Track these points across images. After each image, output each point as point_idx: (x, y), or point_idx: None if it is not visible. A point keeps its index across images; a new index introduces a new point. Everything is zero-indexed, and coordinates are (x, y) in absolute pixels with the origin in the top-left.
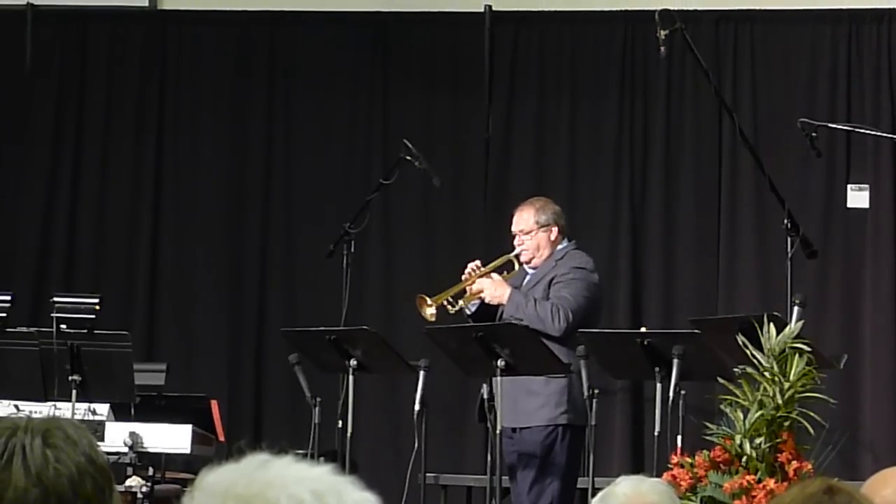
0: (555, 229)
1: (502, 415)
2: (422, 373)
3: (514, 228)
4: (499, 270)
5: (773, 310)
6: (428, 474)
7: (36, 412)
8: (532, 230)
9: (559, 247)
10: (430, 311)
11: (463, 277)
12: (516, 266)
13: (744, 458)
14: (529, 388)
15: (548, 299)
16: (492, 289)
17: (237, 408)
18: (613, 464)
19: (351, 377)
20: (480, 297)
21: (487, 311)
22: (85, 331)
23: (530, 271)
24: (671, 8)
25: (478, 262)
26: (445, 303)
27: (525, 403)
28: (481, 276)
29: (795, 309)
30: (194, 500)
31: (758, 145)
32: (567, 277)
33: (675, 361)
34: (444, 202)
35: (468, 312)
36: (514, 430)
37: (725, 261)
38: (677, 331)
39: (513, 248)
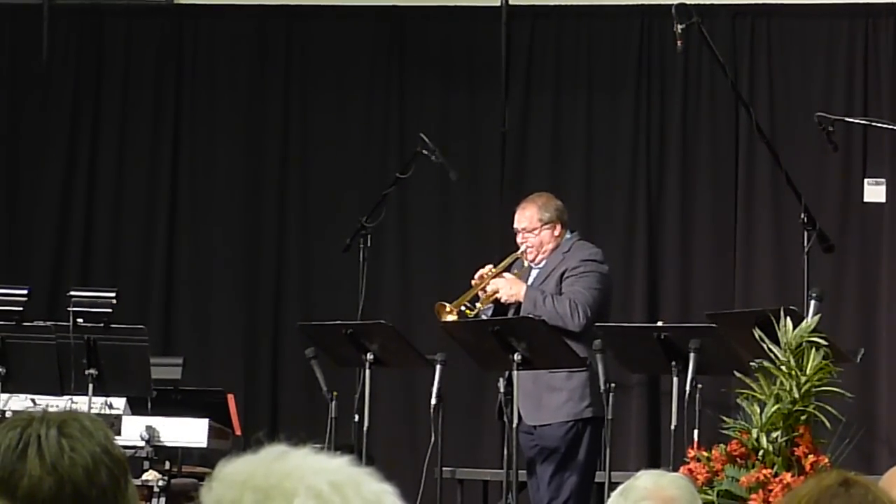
0: (558, 226)
1: (525, 414)
2: (438, 367)
3: (516, 226)
4: (508, 268)
5: (789, 304)
6: (444, 468)
7: (52, 406)
8: (536, 228)
9: (563, 239)
10: (450, 318)
11: (474, 281)
12: (525, 263)
13: (760, 452)
14: (552, 385)
15: (561, 293)
16: (507, 288)
17: (254, 402)
18: (630, 458)
19: (367, 371)
20: (497, 298)
21: (500, 311)
22: (101, 325)
23: (535, 268)
24: (688, 2)
25: (490, 266)
26: (464, 307)
27: (549, 400)
28: (494, 277)
29: (812, 303)
30: (212, 490)
31: (774, 139)
32: (578, 271)
33: (692, 355)
34: (461, 196)
35: (484, 318)
36: (534, 426)
37: (742, 255)
38: (694, 325)
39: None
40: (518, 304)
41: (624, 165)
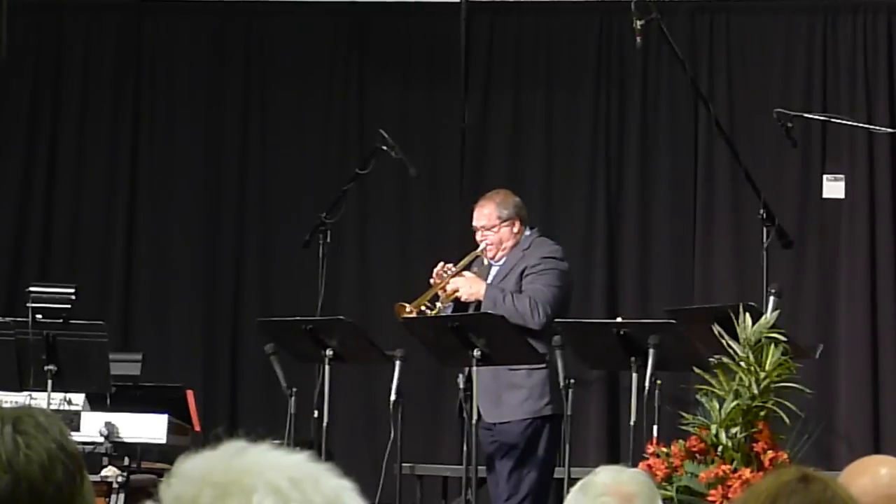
0: (517, 223)
1: (484, 411)
2: (398, 363)
3: (475, 223)
4: (467, 267)
5: (748, 300)
6: (404, 464)
7: (11, 402)
8: (495, 225)
9: (523, 236)
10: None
11: (433, 280)
12: (485, 261)
13: (719, 448)
14: (512, 382)
15: (521, 291)
16: (467, 286)
17: (213, 398)
18: (589, 454)
19: (327, 367)
20: (456, 297)
21: (460, 310)
22: (60, 321)
23: (495, 265)
24: None
25: (449, 265)
26: (424, 307)
27: (508, 398)
28: (454, 276)
29: (771, 299)
30: (171, 487)
31: (733, 135)
32: (538, 269)
33: (651, 351)
34: (420, 192)
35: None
36: (493, 423)
37: (701, 251)
38: (653, 321)
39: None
40: (478, 303)
41: (583, 162)
